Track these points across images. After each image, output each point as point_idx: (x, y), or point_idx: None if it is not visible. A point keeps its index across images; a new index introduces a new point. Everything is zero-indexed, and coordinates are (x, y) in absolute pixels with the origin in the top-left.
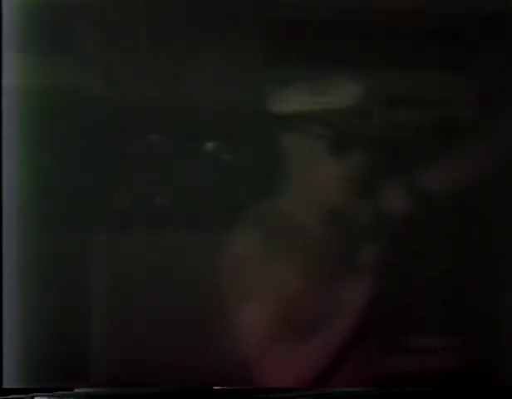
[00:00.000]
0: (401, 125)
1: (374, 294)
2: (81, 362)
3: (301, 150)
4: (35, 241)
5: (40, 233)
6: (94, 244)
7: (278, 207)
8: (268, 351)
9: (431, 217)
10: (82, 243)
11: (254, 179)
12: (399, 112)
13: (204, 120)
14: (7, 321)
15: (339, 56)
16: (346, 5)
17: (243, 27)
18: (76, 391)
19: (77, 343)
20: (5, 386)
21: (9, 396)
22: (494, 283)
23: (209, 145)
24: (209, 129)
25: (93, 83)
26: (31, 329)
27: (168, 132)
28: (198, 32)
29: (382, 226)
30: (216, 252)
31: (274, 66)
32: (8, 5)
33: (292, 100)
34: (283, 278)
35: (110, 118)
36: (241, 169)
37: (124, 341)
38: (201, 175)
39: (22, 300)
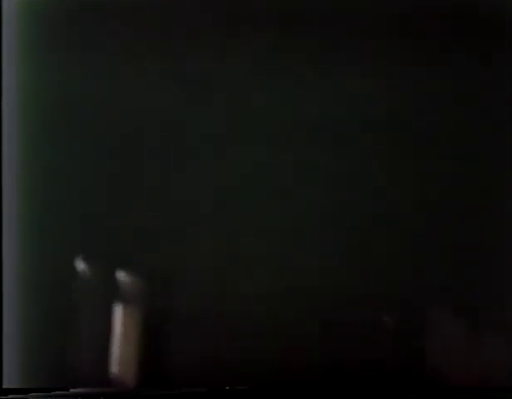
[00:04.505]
0: None
1: None
2: (80, 362)
3: None
4: (35, 243)
5: (39, 235)
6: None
7: None
8: None
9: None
10: (82, 247)
11: None
12: None
13: None
14: (7, 321)
15: None
16: None
17: None
18: (74, 390)
19: (76, 344)
20: (5, 386)
21: (9, 396)
22: None
23: None
24: None
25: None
26: (31, 329)
27: None
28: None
29: None
30: None
31: None
32: (8, 5)
33: None
34: None
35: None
36: None
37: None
38: None
39: (22, 301)
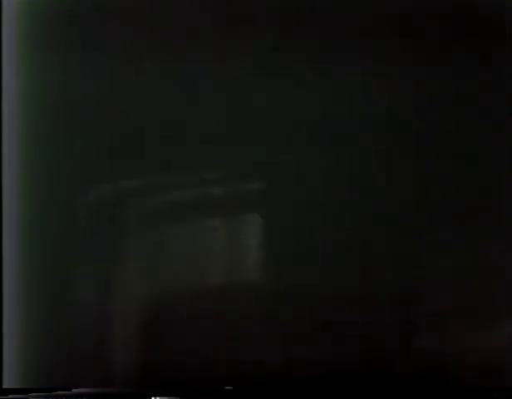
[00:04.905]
0: None
1: None
2: (80, 362)
3: None
4: (35, 241)
5: (39, 235)
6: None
7: None
8: None
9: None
10: (82, 243)
11: None
12: None
13: None
14: (7, 321)
15: None
16: None
17: None
18: (75, 391)
19: (76, 344)
20: (5, 386)
21: (9, 396)
22: None
23: None
24: None
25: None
26: (31, 329)
27: None
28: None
29: None
30: None
31: None
32: (8, 5)
33: None
34: None
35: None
36: None
37: (121, 340)
38: None
39: (22, 301)
